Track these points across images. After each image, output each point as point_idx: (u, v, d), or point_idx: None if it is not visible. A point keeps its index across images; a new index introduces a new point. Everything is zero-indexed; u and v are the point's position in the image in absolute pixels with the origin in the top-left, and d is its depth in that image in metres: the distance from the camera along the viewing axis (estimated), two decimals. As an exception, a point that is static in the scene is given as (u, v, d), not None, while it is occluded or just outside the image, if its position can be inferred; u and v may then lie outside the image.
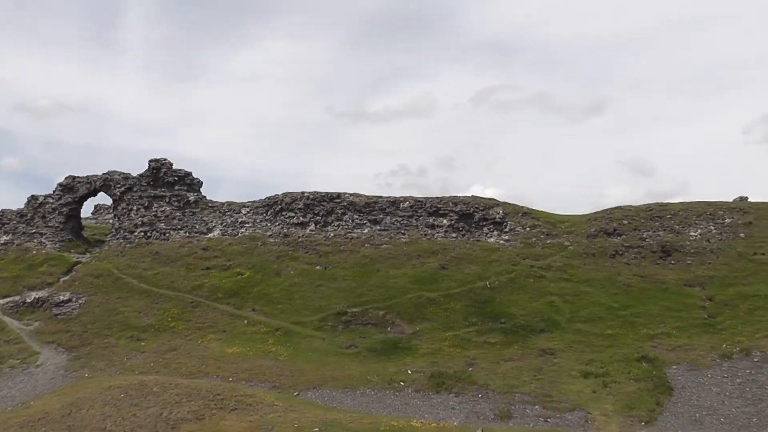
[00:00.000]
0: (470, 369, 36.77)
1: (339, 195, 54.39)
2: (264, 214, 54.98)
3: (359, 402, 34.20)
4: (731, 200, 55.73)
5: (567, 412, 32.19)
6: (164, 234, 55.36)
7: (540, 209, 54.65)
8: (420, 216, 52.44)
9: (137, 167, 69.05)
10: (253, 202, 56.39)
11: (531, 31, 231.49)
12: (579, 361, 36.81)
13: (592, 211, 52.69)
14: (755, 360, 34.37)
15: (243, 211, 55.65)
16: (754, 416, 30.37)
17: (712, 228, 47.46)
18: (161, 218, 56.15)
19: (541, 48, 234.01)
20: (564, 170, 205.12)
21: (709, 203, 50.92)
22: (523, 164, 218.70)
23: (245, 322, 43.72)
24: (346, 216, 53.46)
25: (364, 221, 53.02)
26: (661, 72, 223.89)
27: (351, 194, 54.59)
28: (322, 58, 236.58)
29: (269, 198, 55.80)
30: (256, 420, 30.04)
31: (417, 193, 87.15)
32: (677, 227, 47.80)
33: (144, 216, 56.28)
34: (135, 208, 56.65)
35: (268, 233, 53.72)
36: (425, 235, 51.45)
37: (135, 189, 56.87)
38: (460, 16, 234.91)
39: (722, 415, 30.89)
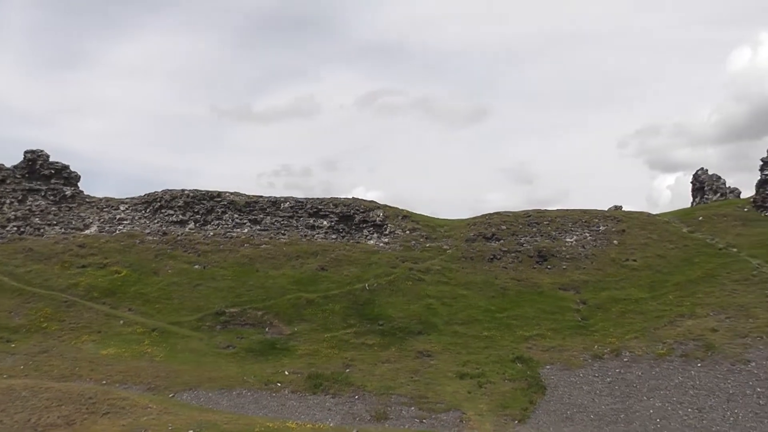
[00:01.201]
0: (347, 370, 37.61)
1: (219, 194, 54.48)
2: (143, 211, 54.41)
3: (235, 403, 34.46)
4: (606, 209, 58.99)
5: (442, 413, 33.39)
6: (39, 229, 53.97)
7: (421, 213, 56.40)
8: (300, 217, 53.18)
9: (10, 158, 66.57)
10: (132, 198, 55.71)
11: (417, 36, 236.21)
12: (455, 362, 38.24)
13: (472, 216, 54.66)
14: (624, 360, 36.60)
15: (121, 208, 54.89)
16: (622, 412, 32.45)
17: (587, 235, 50.15)
18: (36, 213, 54.71)
19: (427, 54, 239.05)
20: (445, 175, 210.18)
21: (584, 211, 53.79)
22: (406, 168, 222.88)
23: (121, 322, 43.20)
24: (227, 215, 53.64)
25: (245, 221, 53.32)
26: (543, 84, 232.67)
27: (232, 193, 54.76)
28: (209, 54, 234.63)
29: (149, 195, 55.29)
30: (129, 423, 29.70)
31: (300, 194, 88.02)
32: (554, 233, 50.28)
33: (17, 210, 54.72)
34: (8, 201, 55.04)
35: (147, 231, 53.23)
36: (305, 236, 52.21)
37: (8, 181, 55.23)
38: (347, 18, 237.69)
39: (592, 412, 32.83)
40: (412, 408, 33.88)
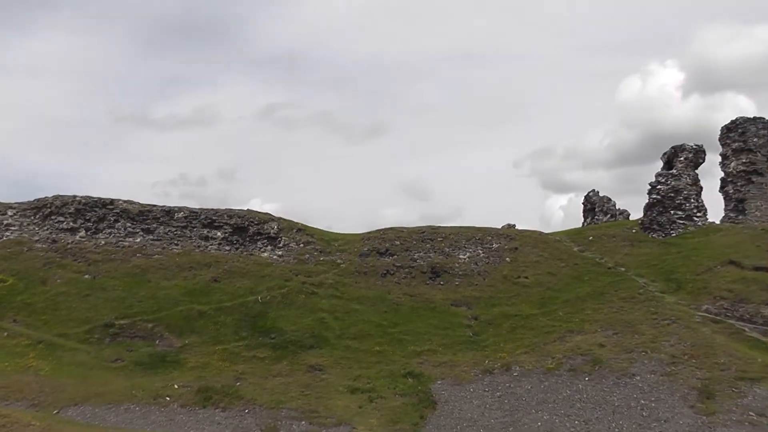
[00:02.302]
0: (238, 384, 37.59)
1: (112, 201, 53.47)
2: (32, 217, 52.75)
3: (123, 419, 33.98)
4: (500, 227, 60.71)
5: (333, 427, 33.81)
6: None
7: (317, 226, 56.85)
8: (194, 227, 52.78)
9: None
10: (21, 203, 53.81)
11: (318, 49, 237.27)
12: (347, 377, 38.69)
13: (367, 231, 55.34)
14: (514, 374, 37.79)
15: (9, 213, 52.97)
16: (511, 426, 33.59)
17: (480, 252, 51.53)
18: None
19: (327, 67, 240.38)
20: (343, 189, 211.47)
21: (478, 228, 55.25)
22: (304, 181, 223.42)
23: (5, 334, 41.75)
24: (119, 223, 52.70)
25: (137, 230, 52.52)
26: (442, 101, 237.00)
27: (125, 201, 53.86)
28: (106, 57, 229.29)
29: (38, 200, 53.66)
30: (8, 442, 29.02)
31: (195, 204, 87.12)
32: (447, 250, 51.44)
33: None
34: None
35: (36, 238, 51.63)
36: (198, 246, 51.85)
37: None
38: (250, 28, 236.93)
39: (482, 425, 33.85)
40: (303, 422, 34.16)
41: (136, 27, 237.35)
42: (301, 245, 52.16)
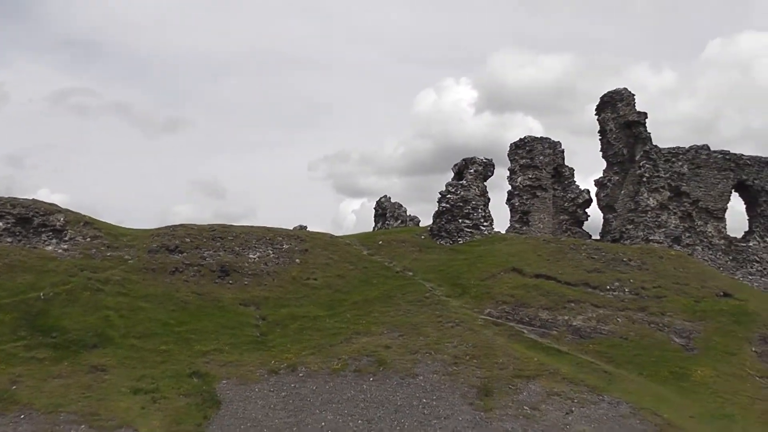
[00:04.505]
0: (14, 387, 35.49)
1: None
2: None
3: None
4: (292, 228, 61.41)
5: (113, 430, 32.86)
6: None
7: (108, 221, 54.98)
8: (-25, 216, 49.58)
9: None
10: None
11: (119, 37, 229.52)
12: (130, 377, 37.66)
13: (157, 227, 54.29)
14: (300, 375, 38.39)
15: None
16: (295, 426, 34.10)
17: (271, 252, 51.90)
18: None
19: (128, 57, 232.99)
20: (136, 184, 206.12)
21: (269, 229, 55.62)
22: (96, 173, 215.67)
23: None
24: None
25: None
26: (242, 100, 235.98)
27: None
28: None
29: None
30: None
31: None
32: (237, 249, 51.41)
33: None
34: None
35: None
36: (-21, 238, 48.79)
37: None
38: (47, 8, 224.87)
39: (266, 426, 34.12)
40: (83, 426, 32.90)
41: None
42: (88, 239, 50.23)
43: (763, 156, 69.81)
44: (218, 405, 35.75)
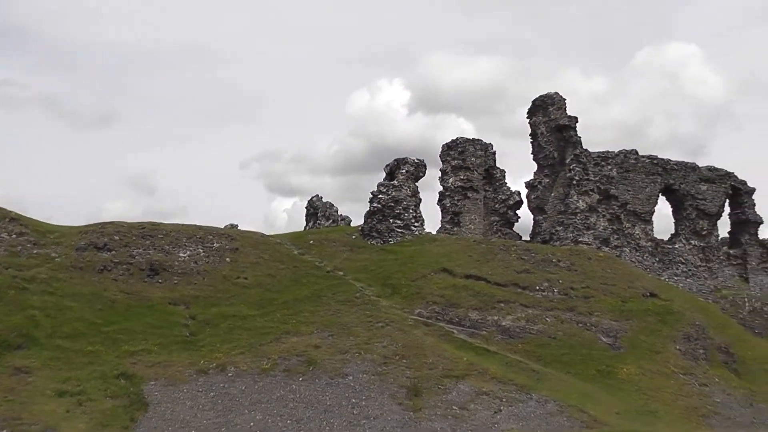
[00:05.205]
0: (-68, 390, 34.99)
1: None
2: None
3: None
4: (223, 227, 61.19)
5: (37, 434, 32.54)
6: None
7: (35, 217, 53.89)
8: None
9: None
10: None
11: (49, 26, 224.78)
12: (56, 379, 37.00)
13: (86, 224, 53.47)
14: (229, 375, 38.40)
15: None
16: (224, 426, 34.20)
17: (201, 251, 51.61)
18: None
19: (58, 47, 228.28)
20: (65, 179, 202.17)
21: (200, 227, 55.29)
22: (23, 167, 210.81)
23: None
24: None
25: None
26: (175, 95, 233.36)
27: None
28: None
29: None
30: None
31: None
32: (167, 247, 50.98)
33: None
34: None
35: None
36: None
37: None
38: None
39: (194, 427, 34.12)
40: (4, 431, 32.53)
41: None
42: (14, 236, 49.22)
43: (689, 161, 72.57)
44: (146, 407, 35.55)
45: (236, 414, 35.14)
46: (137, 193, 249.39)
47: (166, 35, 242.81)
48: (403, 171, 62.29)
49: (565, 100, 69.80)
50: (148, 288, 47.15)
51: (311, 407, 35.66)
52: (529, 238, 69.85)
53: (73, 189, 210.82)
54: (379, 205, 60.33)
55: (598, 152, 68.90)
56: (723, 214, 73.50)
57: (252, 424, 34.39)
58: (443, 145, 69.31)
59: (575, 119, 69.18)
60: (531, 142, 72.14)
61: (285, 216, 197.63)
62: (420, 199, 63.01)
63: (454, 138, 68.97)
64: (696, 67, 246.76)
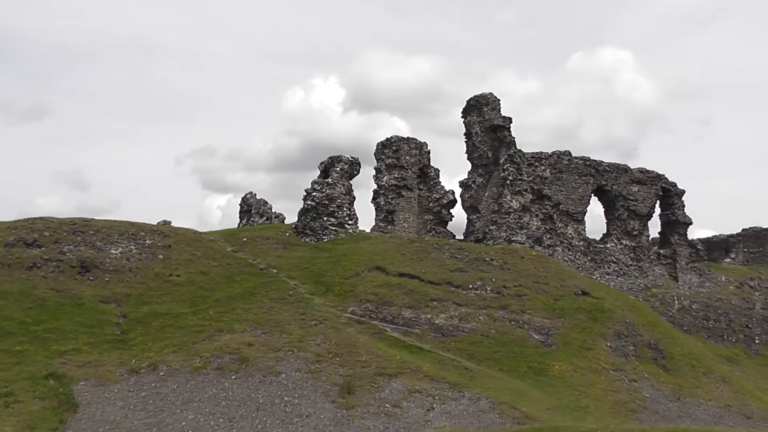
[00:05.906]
0: None
1: None
2: None
3: None
4: (155, 223, 60.73)
5: (-39, 438, 32.15)
6: None
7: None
8: None
9: None
10: None
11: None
12: (-19, 380, 36.64)
13: (15, 220, 52.66)
14: (161, 374, 38.31)
15: None
16: (155, 426, 34.20)
17: (133, 248, 51.21)
18: None
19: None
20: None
21: (132, 223, 54.80)
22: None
23: None
24: None
25: None
26: (108, 89, 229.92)
27: None
28: None
29: None
30: None
31: None
32: (99, 244, 50.44)
33: None
34: None
35: None
36: None
37: None
38: None
39: (125, 428, 34.03)
40: None
41: None
42: (-62, 232, 48.29)
43: (621, 163, 74.23)
44: (75, 408, 35.24)
45: (168, 414, 35.16)
46: (70, 189, 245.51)
47: (100, 28, 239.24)
48: (338, 169, 62.62)
49: (499, 100, 70.76)
50: (79, 286, 46.61)
51: (244, 405, 35.87)
52: (462, 237, 70.69)
53: (4, 183, 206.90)
54: (313, 203, 60.56)
55: (531, 153, 70.06)
56: (654, 214, 75.72)
57: (184, 423, 34.46)
58: (378, 144, 69.76)
59: (509, 120, 70.21)
60: (465, 142, 72.95)
61: (219, 213, 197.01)
62: (354, 197, 63.44)
63: (389, 136, 69.41)
64: (628, 72, 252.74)
